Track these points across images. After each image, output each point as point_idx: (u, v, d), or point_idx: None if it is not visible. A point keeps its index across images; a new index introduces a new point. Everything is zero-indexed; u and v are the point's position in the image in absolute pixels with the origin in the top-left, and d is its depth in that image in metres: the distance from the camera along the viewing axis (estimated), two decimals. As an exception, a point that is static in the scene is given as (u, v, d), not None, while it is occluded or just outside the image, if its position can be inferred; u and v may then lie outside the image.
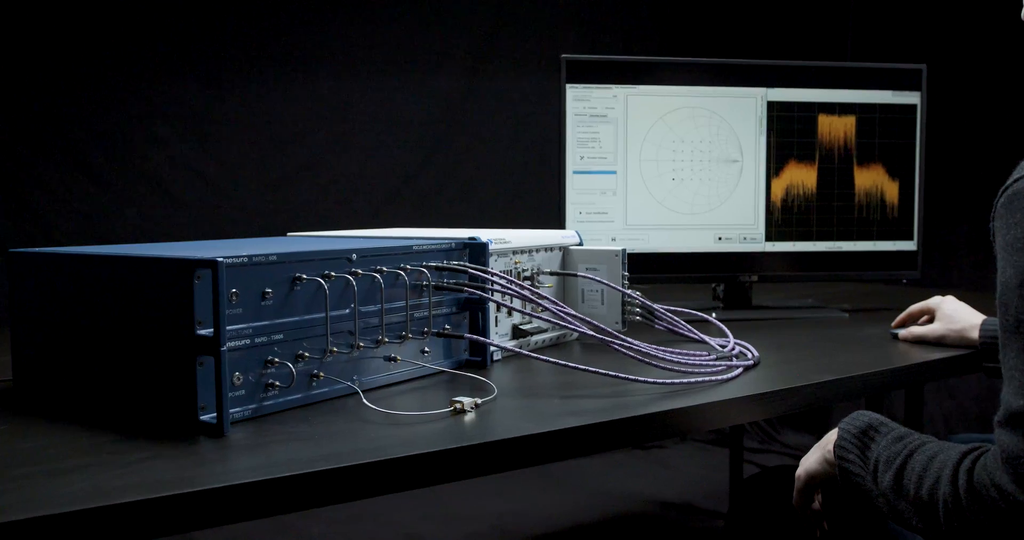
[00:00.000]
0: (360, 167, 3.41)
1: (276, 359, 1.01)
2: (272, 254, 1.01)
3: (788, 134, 1.86)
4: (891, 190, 1.91)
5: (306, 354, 1.05)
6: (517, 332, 1.38)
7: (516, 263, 1.39)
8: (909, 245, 1.92)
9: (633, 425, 0.99)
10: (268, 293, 1.00)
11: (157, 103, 3.11)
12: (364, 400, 1.01)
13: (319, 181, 3.34)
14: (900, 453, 0.94)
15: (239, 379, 0.97)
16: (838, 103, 1.87)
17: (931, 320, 1.49)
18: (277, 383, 1.01)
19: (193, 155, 3.18)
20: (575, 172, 1.79)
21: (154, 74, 3.08)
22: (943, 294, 1.53)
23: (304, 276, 1.04)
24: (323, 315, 1.05)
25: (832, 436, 1.05)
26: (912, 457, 0.93)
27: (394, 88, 3.41)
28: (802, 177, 1.87)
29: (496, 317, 1.34)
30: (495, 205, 3.52)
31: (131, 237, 3.00)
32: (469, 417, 1.00)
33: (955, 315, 1.43)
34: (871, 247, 1.91)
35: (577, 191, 1.80)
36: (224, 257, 0.94)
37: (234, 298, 0.96)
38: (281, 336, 1.02)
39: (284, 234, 1.52)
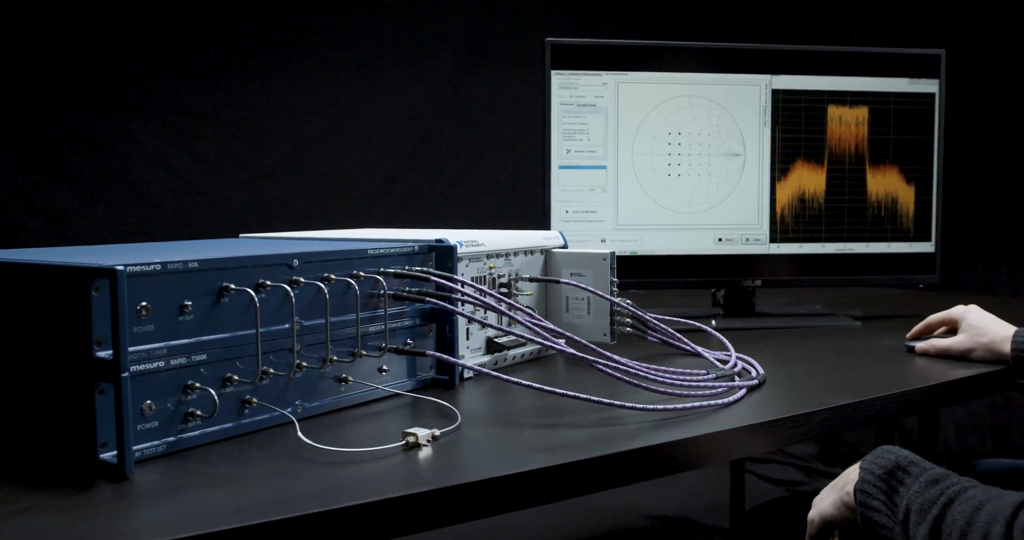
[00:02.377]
0: (343, 164, 3.26)
1: (197, 384, 0.86)
2: (193, 260, 0.86)
3: (795, 126, 1.71)
4: (907, 187, 1.76)
5: (235, 377, 0.90)
6: (492, 346, 1.23)
7: (491, 268, 1.23)
8: (926, 247, 1.77)
9: (616, 464, 0.84)
10: (187, 306, 0.85)
11: (129, 97, 2.96)
12: (299, 433, 0.86)
13: (300, 179, 3.20)
14: (936, 501, 0.79)
15: (151, 408, 0.82)
16: (849, 92, 1.72)
17: (951, 331, 1.34)
18: (198, 412, 0.86)
19: (167, 151, 3.04)
20: (561, 167, 1.64)
21: (126, 67, 2.94)
22: (958, 300, 1.37)
23: (232, 286, 0.89)
24: (256, 331, 0.90)
25: (851, 475, 0.90)
26: (952, 506, 0.78)
27: (380, 81, 3.27)
28: (810, 173, 1.72)
29: (468, 329, 1.19)
30: (485, 204, 3.38)
31: (101, 237, 2.87)
32: (424, 453, 0.85)
33: (982, 326, 1.28)
34: (885, 249, 1.75)
35: (563, 188, 1.64)
36: (128, 264, 0.79)
37: (144, 313, 0.81)
38: (204, 356, 0.87)
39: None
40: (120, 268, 0.77)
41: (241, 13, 3.08)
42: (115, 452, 0.78)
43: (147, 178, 3.00)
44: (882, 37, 3.13)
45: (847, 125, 1.72)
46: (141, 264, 0.81)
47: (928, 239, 1.77)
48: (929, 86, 1.74)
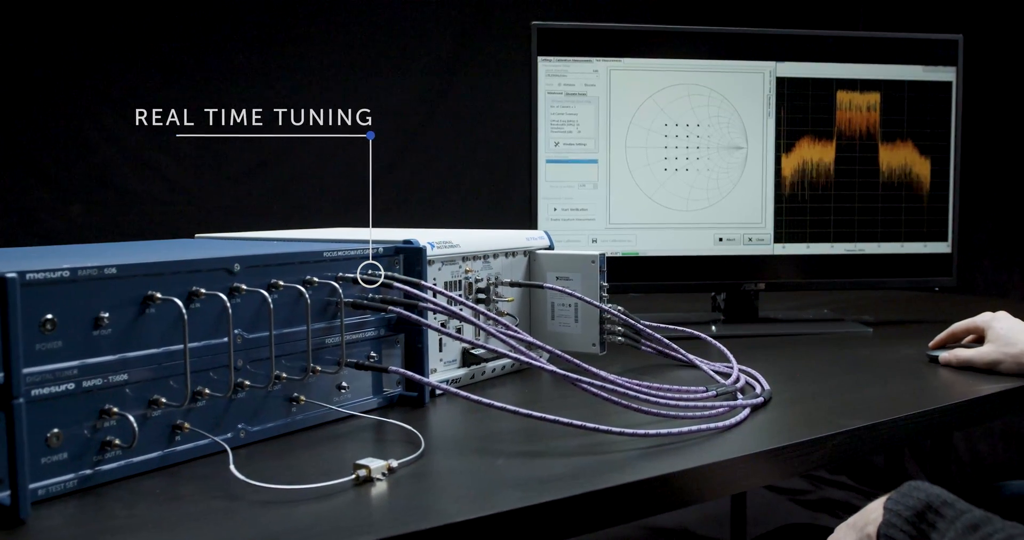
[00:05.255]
0: (330, 161, 3.15)
1: (115, 408, 0.74)
2: (110, 266, 0.74)
3: (801, 116, 1.60)
4: (921, 183, 1.64)
5: (163, 400, 0.78)
6: (468, 357, 1.11)
7: (467, 272, 1.12)
8: (942, 247, 1.65)
9: (600, 503, 0.72)
10: (103, 319, 0.73)
11: (106, 92, 2.85)
12: (231, 465, 0.74)
13: (284, 178, 3.09)
14: (978, 550, 0.67)
15: (58, 438, 0.71)
16: (860, 80, 1.61)
17: (978, 340, 1.22)
18: (117, 441, 0.74)
19: (146, 149, 2.92)
20: (548, 161, 1.53)
21: (102, 62, 2.83)
22: (973, 303, 1.26)
23: (158, 295, 0.77)
24: (184, 347, 0.78)
25: (873, 514, 0.78)
26: (997, 559, 0.66)
27: (369, 74, 3.16)
28: (817, 167, 1.60)
29: (441, 339, 1.07)
30: (476, 204, 3.27)
31: (76, 236, 2.75)
32: (377, 490, 0.73)
33: (1010, 335, 1.16)
34: (898, 249, 1.64)
35: (551, 184, 1.53)
36: (25, 271, 0.67)
37: (49, 327, 0.70)
38: (125, 376, 0.75)
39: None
40: (11, 276, 0.65)
41: (223, 8, 2.97)
42: (9, 492, 0.66)
43: (124, 176, 2.90)
44: (889, 22, 3.00)
45: (857, 115, 1.61)
46: (44, 271, 0.69)
47: (944, 239, 1.65)
48: (946, 74, 1.63)
